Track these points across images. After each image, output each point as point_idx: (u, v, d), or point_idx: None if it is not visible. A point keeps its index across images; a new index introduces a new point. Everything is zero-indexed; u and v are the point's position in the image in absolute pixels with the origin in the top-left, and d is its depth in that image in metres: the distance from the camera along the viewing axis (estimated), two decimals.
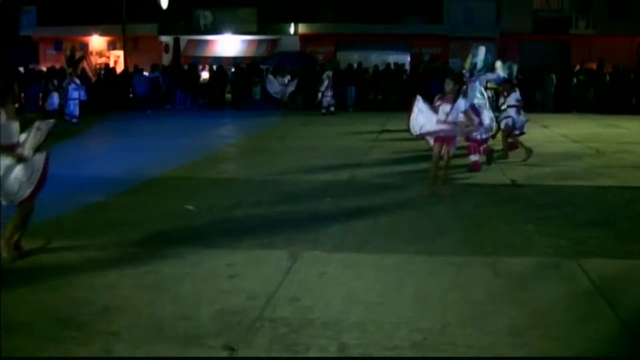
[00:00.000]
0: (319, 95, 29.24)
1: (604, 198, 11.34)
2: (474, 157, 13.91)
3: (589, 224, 9.40)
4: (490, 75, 14.99)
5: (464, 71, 14.64)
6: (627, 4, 41.23)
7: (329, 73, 29.77)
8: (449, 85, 11.45)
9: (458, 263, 7.45)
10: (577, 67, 34.24)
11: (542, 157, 14.81)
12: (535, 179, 12.99)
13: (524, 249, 8.13)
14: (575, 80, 32.47)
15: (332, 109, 29.16)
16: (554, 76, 32.68)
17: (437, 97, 13.90)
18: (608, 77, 32.23)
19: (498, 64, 15.93)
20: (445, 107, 11.24)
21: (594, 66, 33.98)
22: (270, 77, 31.00)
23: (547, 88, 32.65)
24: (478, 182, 12.77)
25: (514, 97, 15.41)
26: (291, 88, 30.20)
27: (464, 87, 13.37)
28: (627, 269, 7.38)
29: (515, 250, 8.08)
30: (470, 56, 14.69)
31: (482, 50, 14.63)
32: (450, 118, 11.12)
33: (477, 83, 14.25)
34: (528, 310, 6.08)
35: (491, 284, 6.81)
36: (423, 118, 11.53)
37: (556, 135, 16.90)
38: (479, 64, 14.54)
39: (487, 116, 14.19)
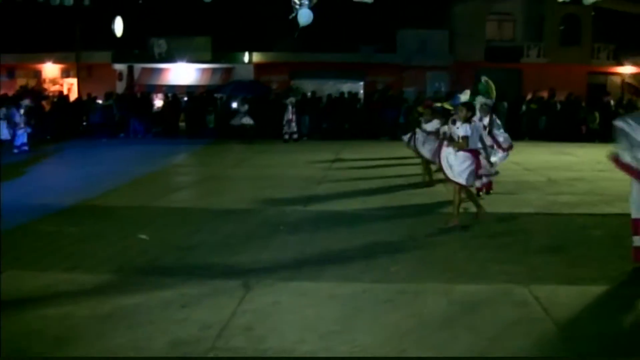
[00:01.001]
0: (284, 122, 29.50)
1: (557, 225, 11.44)
2: None
3: (542, 251, 9.49)
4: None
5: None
6: (577, 34, 42.00)
7: (292, 100, 29.90)
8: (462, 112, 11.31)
9: (413, 291, 7.45)
10: (529, 96, 34.64)
11: (496, 185, 14.88)
12: (489, 206, 13.06)
13: (478, 275, 8.15)
14: (525, 108, 32.87)
15: (295, 136, 29.29)
16: (505, 104, 33.06)
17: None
18: (559, 106, 32.69)
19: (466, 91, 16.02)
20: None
21: (545, 94, 34.43)
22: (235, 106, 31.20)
23: (499, 116, 32.99)
24: (431, 210, 12.80)
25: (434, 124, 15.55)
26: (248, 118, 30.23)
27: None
28: (578, 295, 7.43)
29: (470, 277, 8.10)
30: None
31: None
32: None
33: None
34: (483, 337, 6.10)
35: (446, 311, 6.82)
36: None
37: (509, 162, 17.00)
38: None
39: None
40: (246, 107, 30.12)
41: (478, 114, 13.53)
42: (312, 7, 13.00)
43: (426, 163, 16.03)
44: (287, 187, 15.62)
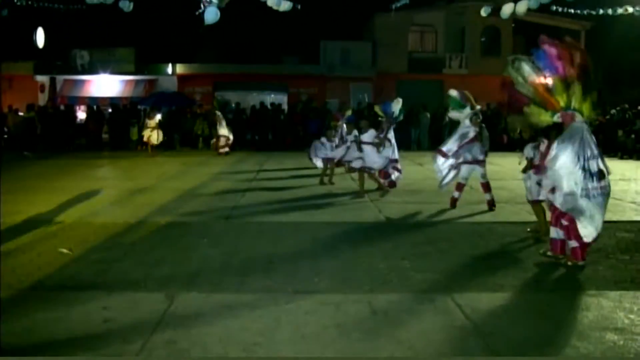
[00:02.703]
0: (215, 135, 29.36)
1: (478, 233, 11.60)
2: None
3: (464, 259, 9.63)
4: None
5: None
6: (497, 45, 42.73)
7: (218, 113, 29.86)
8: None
9: (335, 301, 7.47)
10: None
11: (417, 195, 15.05)
12: (410, 216, 13.21)
13: (400, 284, 8.24)
14: (447, 118, 33.25)
15: (226, 149, 29.20)
16: (428, 114, 33.53)
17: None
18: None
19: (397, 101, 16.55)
20: None
21: None
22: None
23: (422, 126, 33.45)
24: (353, 220, 12.87)
25: (371, 135, 15.76)
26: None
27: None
28: (499, 301, 7.58)
29: (392, 286, 8.18)
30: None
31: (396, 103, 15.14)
32: None
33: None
34: (405, 345, 6.18)
35: (369, 321, 6.88)
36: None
37: (431, 172, 17.12)
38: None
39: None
40: (159, 116, 29.93)
41: (467, 124, 13.86)
42: (220, 8, 13.00)
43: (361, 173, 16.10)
44: (212, 198, 15.61)
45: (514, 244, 10.81)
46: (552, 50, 9.32)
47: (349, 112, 21.39)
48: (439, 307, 7.34)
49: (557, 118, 9.36)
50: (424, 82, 41.42)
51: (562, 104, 9.27)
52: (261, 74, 41.00)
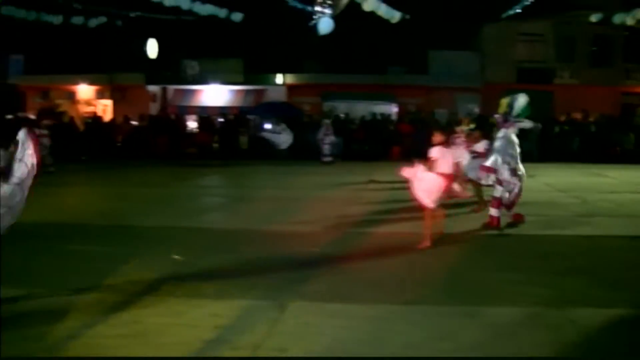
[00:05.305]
0: (319, 143, 29.70)
1: (589, 247, 11.36)
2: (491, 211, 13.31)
3: (574, 273, 9.42)
4: (525, 123, 13.92)
5: (496, 115, 13.82)
6: (608, 55, 41.72)
7: (327, 121, 30.03)
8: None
9: (443, 313, 7.43)
10: (563, 117, 34.42)
11: (527, 207, 14.81)
12: (520, 228, 12.99)
13: (509, 298, 8.11)
14: (558, 129, 32.63)
15: (330, 158, 29.48)
16: (540, 125, 32.86)
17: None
18: (593, 127, 32.38)
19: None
20: None
21: (578, 116, 34.18)
22: (268, 126, 31.38)
23: (531, 137, 32.88)
24: (462, 231, 12.75)
25: (483, 145, 15.23)
26: (287, 137, 30.38)
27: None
28: (612, 318, 7.38)
29: (500, 299, 8.07)
30: (508, 98, 13.69)
31: (523, 97, 13.59)
32: None
33: (510, 130, 13.27)
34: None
35: (477, 334, 6.79)
36: None
37: (541, 184, 16.92)
38: (516, 110, 13.48)
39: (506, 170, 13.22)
40: (283, 126, 30.33)
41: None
42: (334, 18, 13.03)
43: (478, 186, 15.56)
44: (320, 208, 15.60)
45: (629, 259, 10.53)
46: None
47: (471, 125, 20.03)
48: (549, 322, 7.20)
49: None
50: (532, 93, 40.60)
51: None
52: (367, 84, 40.99)
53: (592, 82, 39.91)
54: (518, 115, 13.50)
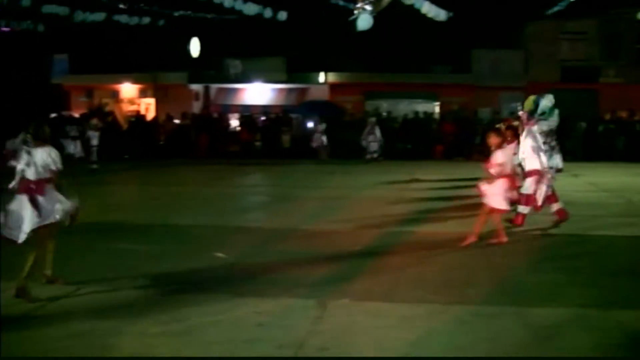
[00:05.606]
0: (363, 142, 29.84)
1: (635, 248, 11.23)
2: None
3: (620, 274, 9.32)
4: (547, 123, 13.64)
5: (521, 112, 13.67)
6: None
7: (372, 119, 30.04)
8: None
9: (488, 313, 7.38)
10: (608, 116, 34.07)
11: (572, 206, 14.70)
12: (564, 228, 12.86)
13: (554, 299, 8.04)
14: (602, 128, 32.28)
15: (375, 155, 29.59)
16: (584, 124, 32.51)
17: None
18: (639, 126, 31.98)
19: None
20: None
21: (623, 114, 33.80)
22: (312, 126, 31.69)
23: (576, 136, 32.54)
24: (507, 232, 12.64)
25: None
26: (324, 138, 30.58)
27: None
28: None
29: (545, 300, 8.00)
30: (534, 97, 13.62)
31: (548, 98, 13.53)
32: None
33: (535, 127, 13.02)
34: None
35: (522, 335, 6.75)
36: None
37: (585, 184, 16.78)
38: (541, 109, 13.35)
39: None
40: (324, 126, 30.41)
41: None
42: (375, 16, 13.01)
43: None
44: (361, 208, 15.65)
45: None
46: None
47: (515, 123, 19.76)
48: (594, 323, 7.11)
49: None
50: (577, 92, 40.21)
51: None
52: (410, 83, 40.85)
53: (638, 80, 39.35)
54: (542, 114, 13.36)
